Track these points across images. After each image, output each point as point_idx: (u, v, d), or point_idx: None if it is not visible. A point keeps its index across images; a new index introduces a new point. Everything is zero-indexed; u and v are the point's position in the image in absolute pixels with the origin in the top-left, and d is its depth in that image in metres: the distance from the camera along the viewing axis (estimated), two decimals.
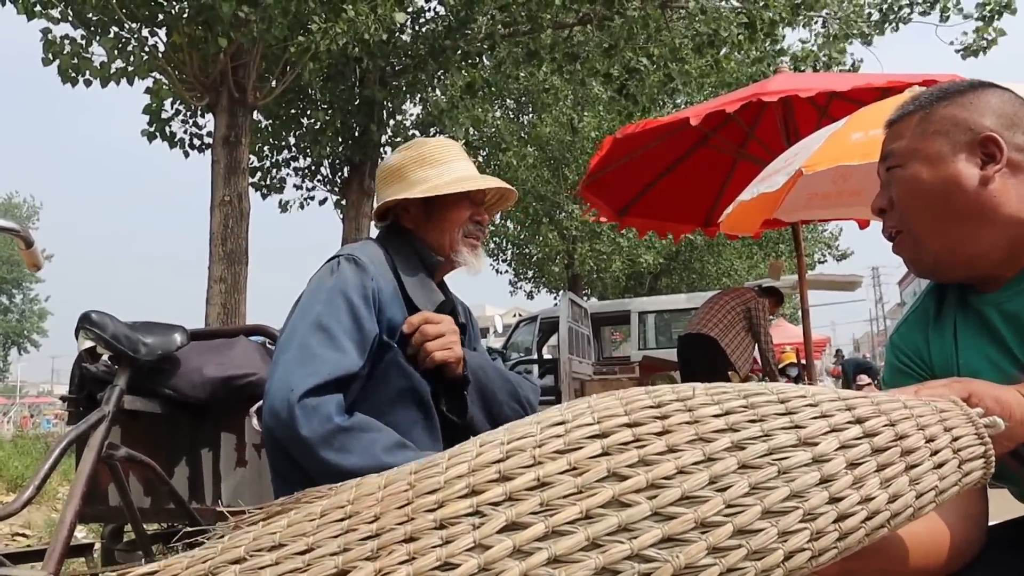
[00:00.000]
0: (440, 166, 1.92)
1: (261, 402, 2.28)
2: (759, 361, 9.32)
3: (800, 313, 6.76)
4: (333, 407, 1.60)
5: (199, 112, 9.68)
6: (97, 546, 3.04)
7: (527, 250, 20.43)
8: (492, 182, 1.93)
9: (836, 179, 5.60)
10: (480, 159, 17.67)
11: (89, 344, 2.10)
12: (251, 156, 10.10)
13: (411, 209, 1.93)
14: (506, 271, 21.49)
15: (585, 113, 15.01)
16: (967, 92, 1.28)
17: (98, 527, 3.64)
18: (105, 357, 2.20)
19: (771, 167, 4.63)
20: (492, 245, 20.66)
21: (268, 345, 2.50)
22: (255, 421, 2.27)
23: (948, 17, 9.88)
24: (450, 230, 1.90)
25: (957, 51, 9.93)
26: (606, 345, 16.04)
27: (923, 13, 10.02)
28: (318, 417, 1.56)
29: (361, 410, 1.65)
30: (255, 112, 9.19)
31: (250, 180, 10.26)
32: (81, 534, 4.64)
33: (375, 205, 2.00)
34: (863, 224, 6.82)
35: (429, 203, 1.91)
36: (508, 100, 16.57)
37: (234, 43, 7.82)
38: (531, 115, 16.89)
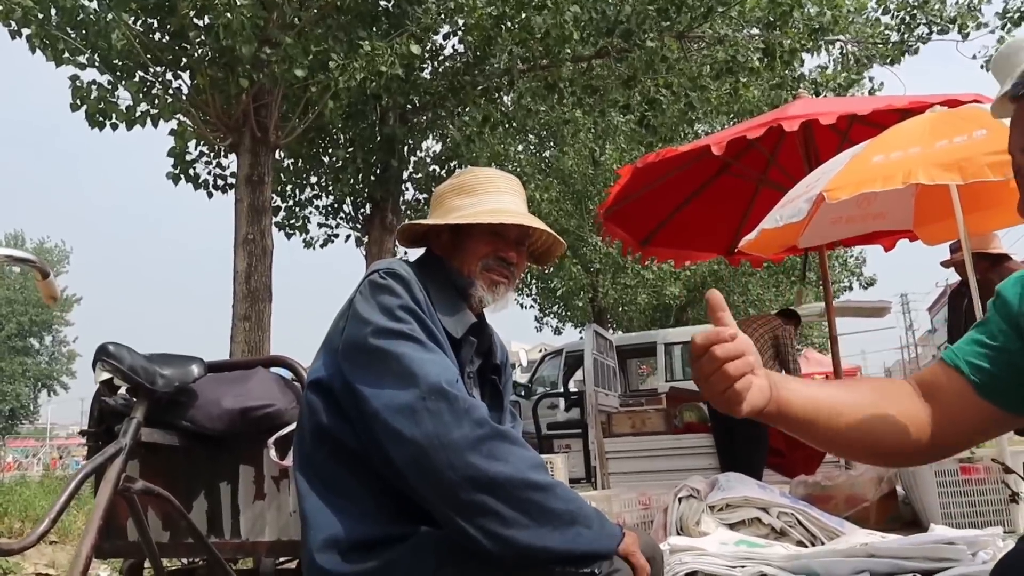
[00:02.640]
0: (476, 196, 1.88)
1: (280, 432, 2.27)
2: None
3: (822, 341, 6.66)
4: (485, 411, 1.55)
5: (222, 153, 9.82)
6: None
7: (551, 285, 20.41)
8: (514, 218, 1.84)
9: (860, 202, 5.55)
10: None
11: (106, 376, 2.09)
12: (274, 195, 10.22)
13: (442, 236, 1.91)
14: (531, 306, 21.48)
15: (607, 145, 15.05)
16: None
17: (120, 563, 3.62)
18: (123, 390, 2.18)
19: (793, 192, 4.59)
20: (517, 280, 20.62)
21: (292, 379, 2.48)
22: (273, 452, 2.24)
23: (968, 34, 9.84)
24: (469, 262, 1.85)
25: (981, 65, 9.89)
26: (634, 379, 15.91)
27: (941, 32, 9.98)
28: (470, 420, 1.51)
29: None
30: (277, 152, 9.31)
31: (274, 219, 10.38)
32: (105, 573, 4.62)
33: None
34: (888, 246, 6.74)
35: (456, 231, 1.88)
36: (530, 135, 16.68)
37: (255, 84, 7.95)
38: (553, 149, 16.96)
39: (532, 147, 17.54)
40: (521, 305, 21.51)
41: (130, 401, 2.18)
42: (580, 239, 17.03)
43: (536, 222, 1.87)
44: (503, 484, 1.47)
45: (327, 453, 1.68)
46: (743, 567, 3.21)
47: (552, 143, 16.76)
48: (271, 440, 2.24)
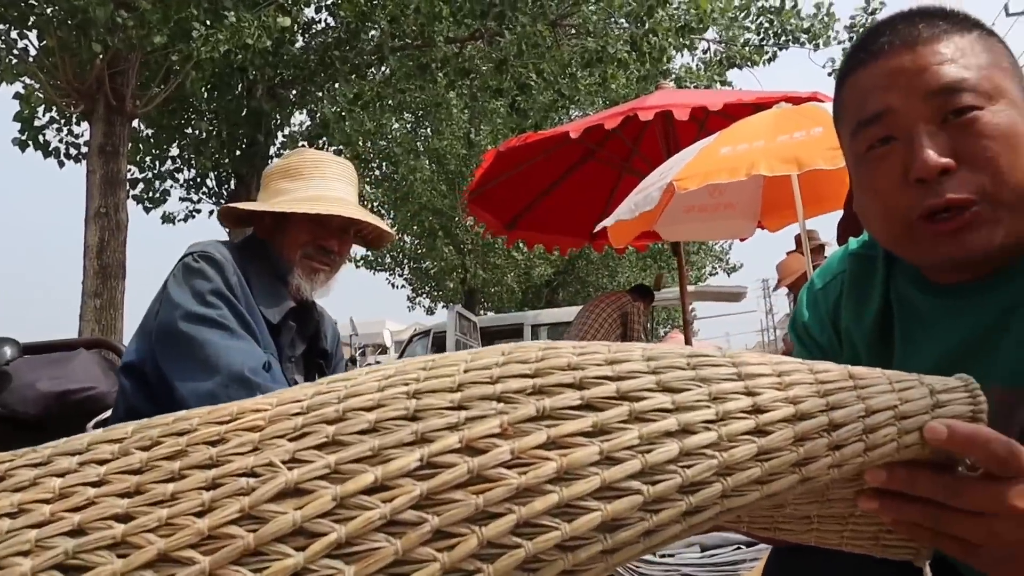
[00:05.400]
0: (301, 180, 1.84)
1: (100, 416, 2.19)
2: None
3: (690, 323, 6.92)
4: None
5: (75, 120, 9.29)
6: None
7: (424, 265, 20.32)
8: (335, 207, 1.80)
9: (712, 192, 5.78)
10: (377, 173, 17.51)
11: None
12: (131, 167, 9.76)
13: (265, 219, 1.88)
14: (403, 286, 21.33)
15: (482, 127, 15.07)
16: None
17: None
18: None
19: (647, 180, 4.74)
20: (389, 259, 20.48)
21: (110, 358, 2.39)
22: None
23: (818, 45, 10.46)
24: (290, 249, 1.82)
25: (829, 73, 10.51)
26: None
27: (795, 40, 10.56)
28: None
29: None
30: (135, 121, 8.88)
31: (131, 192, 9.92)
32: None
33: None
34: (743, 238, 7.05)
35: (279, 216, 1.84)
36: (407, 113, 16.52)
37: (111, 49, 7.55)
38: (428, 128, 16.85)
39: (408, 125, 17.38)
40: (393, 285, 21.34)
41: None
42: (453, 220, 17.03)
43: (360, 212, 1.85)
44: None
45: None
46: None
47: (428, 123, 16.66)
48: (91, 424, 2.16)
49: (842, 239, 4.62)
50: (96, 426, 2.15)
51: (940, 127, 0.89)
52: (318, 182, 1.85)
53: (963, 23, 0.93)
